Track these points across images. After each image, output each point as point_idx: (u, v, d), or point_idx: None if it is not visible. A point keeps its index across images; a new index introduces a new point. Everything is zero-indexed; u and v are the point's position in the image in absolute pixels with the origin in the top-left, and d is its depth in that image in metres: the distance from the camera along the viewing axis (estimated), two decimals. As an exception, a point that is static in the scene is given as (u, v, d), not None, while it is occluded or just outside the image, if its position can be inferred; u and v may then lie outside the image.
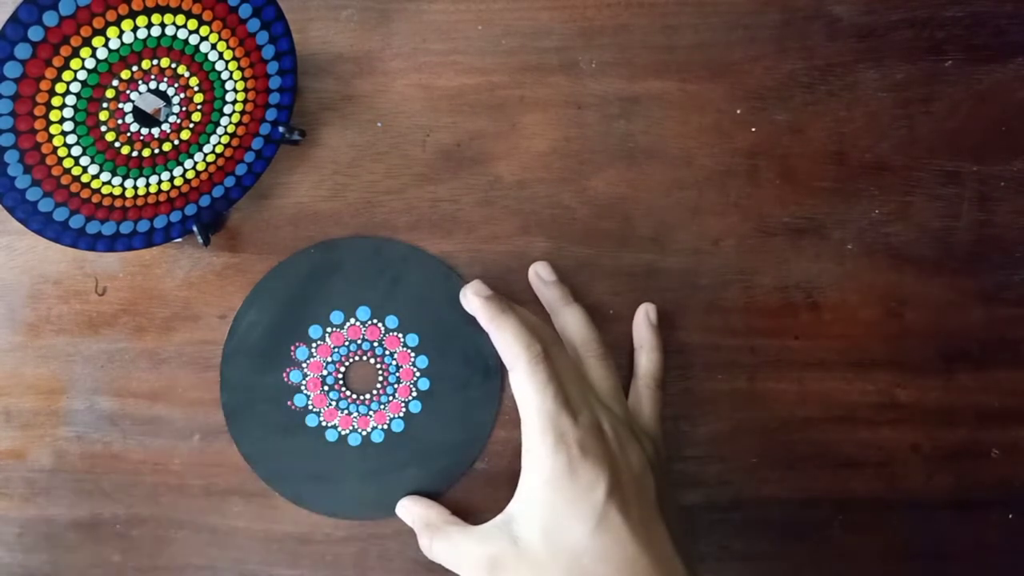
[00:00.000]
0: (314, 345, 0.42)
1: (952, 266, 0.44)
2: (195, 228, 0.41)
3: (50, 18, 0.32)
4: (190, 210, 0.41)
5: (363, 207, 0.43)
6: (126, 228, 0.39)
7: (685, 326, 0.43)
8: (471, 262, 0.43)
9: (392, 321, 0.43)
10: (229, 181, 0.41)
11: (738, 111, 0.44)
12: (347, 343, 0.43)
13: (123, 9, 0.33)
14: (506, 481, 0.42)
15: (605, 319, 0.43)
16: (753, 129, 0.44)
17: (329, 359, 0.43)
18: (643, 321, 0.42)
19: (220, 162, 0.40)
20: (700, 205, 0.43)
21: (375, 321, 0.43)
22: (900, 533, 0.43)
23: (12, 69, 0.32)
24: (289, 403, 0.42)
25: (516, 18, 0.44)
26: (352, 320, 0.43)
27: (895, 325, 0.43)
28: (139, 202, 0.39)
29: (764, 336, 0.43)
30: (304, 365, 0.42)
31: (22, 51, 0.32)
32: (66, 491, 0.42)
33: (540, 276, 0.42)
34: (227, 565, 0.42)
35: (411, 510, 0.41)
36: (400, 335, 0.43)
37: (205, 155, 0.40)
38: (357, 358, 0.43)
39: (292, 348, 0.42)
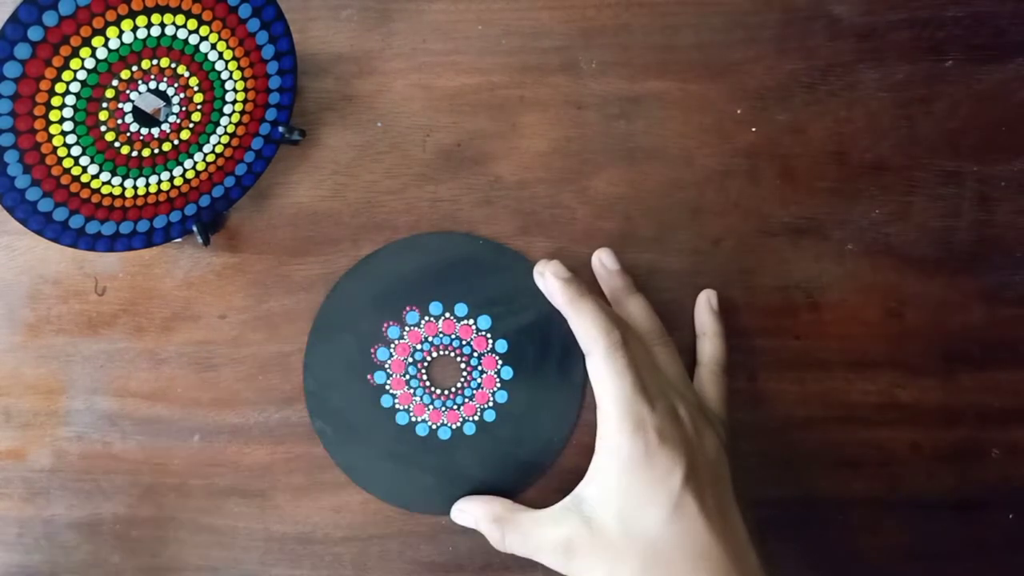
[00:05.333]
0: (406, 329, 0.43)
1: (952, 266, 0.44)
2: (195, 228, 0.41)
3: (50, 18, 0.32)
4: (190, 210, 0.41)
5: (363, 207, 0.43)
6: (126, 228, 0.39)
7: (685, 326, 0.43)
8: (471, 262, 0.43)
9: (484, 321, 0.43)
10: (229, 181, 0.41)
11: (738, 111, 0.44)
12: (439, 335, 0.43)
13: (123, 9, 0.33)
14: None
15: (605, 319, 0.43)
16: (753, 129, 0.44)
17: (418, 346, 0.43)
18: (705, 307, 0.42)
19: (220, 162, 0.40)
20: (700, 205, 0.43)
21: (469, 321, 0.43)
22: (900, 533, 0.43)
23: (12, 69, 0.32)
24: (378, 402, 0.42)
25: (516, 18, 0.44)
26: (447, 315, 0.43)
27: (895, 325, 0.43)
28: (139, 202, 0.39)
29: (764, 336, 0.43)
30: (392, 346, 0.43)
31: (22, 51, 0.32)
32: (66, 491, 0.42)
33: (604, 264, 0.42)
34: (227, 565, 0.42)
35: (470, 511, 0.40)
36: (489, 337, 0.42)
37: (205, 155, 0.40)
38: (442, 353, 0.43)
39: (384, 326, 0.42)
